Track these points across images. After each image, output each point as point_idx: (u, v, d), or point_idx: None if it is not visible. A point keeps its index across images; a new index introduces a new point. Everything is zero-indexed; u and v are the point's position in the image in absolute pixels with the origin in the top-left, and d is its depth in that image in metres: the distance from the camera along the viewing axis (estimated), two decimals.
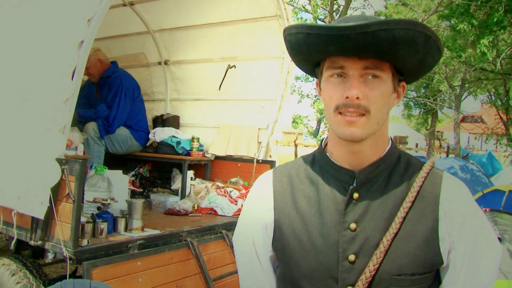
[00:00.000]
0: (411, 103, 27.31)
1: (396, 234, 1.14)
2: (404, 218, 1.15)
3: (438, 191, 1.18)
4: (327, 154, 1.26)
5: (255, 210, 1.32)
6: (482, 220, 1.19)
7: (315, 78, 1.31)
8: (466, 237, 1.15)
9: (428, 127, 27.30)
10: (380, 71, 1.13)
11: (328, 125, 1.24)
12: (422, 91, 24.00)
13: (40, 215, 2.69)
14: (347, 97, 1.11)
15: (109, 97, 4.62)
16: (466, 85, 16.34)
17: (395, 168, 1.22)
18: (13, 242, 3.02)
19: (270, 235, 1.27)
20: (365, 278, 1.12)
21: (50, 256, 4.54)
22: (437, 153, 22.99)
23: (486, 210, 6.51)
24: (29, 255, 3.93)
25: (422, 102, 20.37)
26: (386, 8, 16.96)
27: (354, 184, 1.19)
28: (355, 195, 1.19)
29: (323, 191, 1.22)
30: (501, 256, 1.19)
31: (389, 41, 1.05)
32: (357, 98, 1.10)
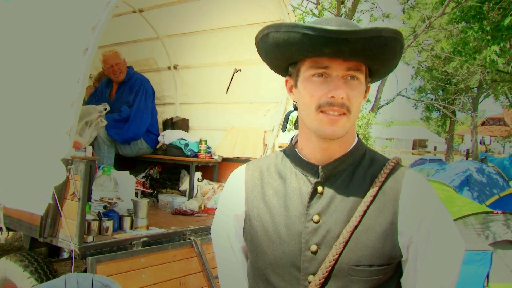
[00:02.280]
0: (430, 106, 27.05)
1: (356, 226, 1.19)
2: (365, 211, 1.20)
3: (399, 187, 1.22)
4: (296, 150, 1.33)
5: (228, 202, 1.39)
6: (443, 217, 1.23)
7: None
8: (426, 233, 1.19)
9: (447, 130, 26.99)
10: (359, 73, 1.20)
11: (303, 122, 1.28)
12: (440, 93, 23.78)
13: (39, 211, 2.83)
14: (332, 97, 1.17)
15: (132, 99, 4.75)
16: (484, 87, 16.15)
17: (360, 163, 1.28)
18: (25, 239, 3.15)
19: (241, 226, 1.34)
20: (325, 268, 1.18)
21: (65, 255, 4.71)
22: (451, 157, 22.68)
23: (498, 213, 6.44)
24: (44, 253, 4.10)
25: (439, 105, 20.17)
26: (403, 12, 16.93)
27: (319, 178, 1.25)
28: (319, 188, 1.24)
29: (290, 185, 1.29)
30: (463, 252, 1.23)
31: (381, 47, 1.15)
32: (342, 98, 1.17)
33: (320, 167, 1.25)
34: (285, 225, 1.25)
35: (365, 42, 1.12)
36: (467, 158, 19.88)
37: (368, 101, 12.87)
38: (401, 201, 1.21)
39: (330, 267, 1.18)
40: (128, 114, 4.67)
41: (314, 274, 1.20)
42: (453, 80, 18.44)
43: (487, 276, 4.42)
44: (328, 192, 1.24)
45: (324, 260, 1.19)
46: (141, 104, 4.73)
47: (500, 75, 12.20)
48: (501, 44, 7.57)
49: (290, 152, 1.35)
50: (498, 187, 12.31)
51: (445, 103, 15.87)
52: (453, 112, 17.06)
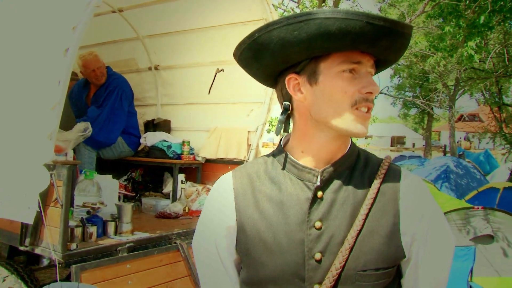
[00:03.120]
0: (408, 103, 27.41)
1: (360, 230, 1.15)
2: (367, 214, 1.16)
3: (398, 186, 1.20)
4: (287, 153, 1.26)
5: (216, 213, 1.27)
6: (439, 214, 1.22)
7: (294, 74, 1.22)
8: (426, 230, 1.17)
9: (425, 127, 27.37)
10: (375, 68, 1.21)
11: (316, 123, 1.19)
12: (418, 90, 24.09)
13: (29, 220, 2.73)
14: (369, 92, 1.15)
15: (104, 99, 4.60)
16: (461, 83, 16.44)
17: (356, 165, 1.24)
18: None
19: (233, 238, 1.24)
20: (331, 276, 1.13)
21: (45, 262, 4.59)
22: (429, 153, 23.05)
23: (478, 208, 6.53)
24: (23, 261, 3.98)
25: (417, 102, 20.45)
26: (380, 11, 17.06)
27: (318, 183, 1.20)
28: (319, 193, 1.19)
29: (286, 191, 1.22)
30: (454, 248, 1.23)
31: (407, 41, 1.17)
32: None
33: (320, 171, 1.20)
34: (284, 234, 1.18)
35: (404, 36, 1.14)
36: (444, 154, 20.18)
37: None
38: (401, 200, 1.18)
39: (337, 275, 1.13)
40: (95, 115, 4.48)
41: (320, 283, 1.15)
42: (430, 78, 18.72)
43: (471, 271, 4.46)
44: (328, 196, 1.19)
45: (330, 268, 1.14)
46: (115, 106, 4.58)
47: (476, 72, 12.42)
48: (477, 40, 7.68)
49: (281, 156, 1.27)
50: (476, 181, 12.56)
51: (424, 100, 16.09)
52: (432, 109, 17.30)
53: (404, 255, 1.17)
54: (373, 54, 1.17)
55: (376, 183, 1.19)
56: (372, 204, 1.17)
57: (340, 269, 1.13)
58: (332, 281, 1.13)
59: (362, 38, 1.09)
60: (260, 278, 1.20)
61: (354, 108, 1.14)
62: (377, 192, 1.19)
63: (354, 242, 1.14)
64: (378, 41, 1.10)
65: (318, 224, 1.17)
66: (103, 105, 4.57)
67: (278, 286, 1.18)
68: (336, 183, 1.21)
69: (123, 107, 4.65)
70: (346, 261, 1.13)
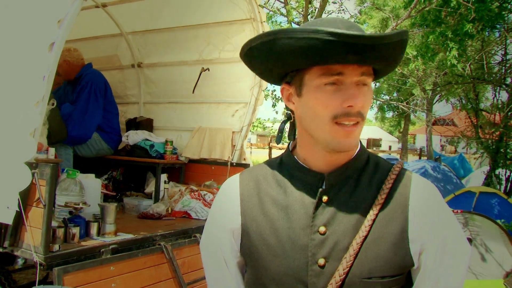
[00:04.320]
0: (385, 106, 27.70)
1: (366, 237, 1.12)
2: (374, 220, 1.13)
3: (408, 192, 1.16)
4: (295, 157, 1.24)
5: (222, 215, 1.28)
6: (452, 221, 1.18)
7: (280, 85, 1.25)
8: (437, 238, 1.13)
9: (401, 130, 27.70)
10: (370, 77, 1.13)
11: (308, 133, 1.18)
12: (395, 94, 24.38)
13: (8, 220, 2.63)
14: (350, 106, 1.08)
15: (77, 95, 4.48)
16: (438, 88, 16.68)
17: (364, 170, 1.21)
18: None
19: (237, 241, 1.25)
20: (335, 282, 1.11)
21: (20, 262, 4.44)
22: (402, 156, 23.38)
23: (458, 212, 6.63)
24: None
25: (395, 105, 20.69)
26: (360, 13, 17.18)
27: (323, 187, 1.18)
28: (324, 197, 1.17)
29: (291, 195, 1.20)
30: (470, 256, 1.19)
31: (400, 49, 1.10)
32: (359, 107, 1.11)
33: (325, 174, 1.18)
34: (288, 238, 1.16)
35: (390, 48, 1.06)
36: (420, 157, 20.45)
37: None
38: (411, 207, 1.15)
39: (341, 281, 1.11)
40: (69, 111, 4.37)
41: None
42: (408, 82, 18.96)
43: None
44: (334, 201, 1.16)
45: (334, 274, 1.11)
46: (90, 101, 4.43)
47: (454, 77, 12.62)
48: (459, 51, 7.81)
49: (289, 160, 1.26)
50: (453, 184, 12.76)
51: (401, 104, 16.30)
52: (414, 112, 17.59)
53: (412, 263, 1.14)
54: (359, 63, 1.09)
55: (384, 188, 1.17)
56: (379, 210, 1.15)
57: (344, 275, 1.11)
58: (336, 287, 1.11)
59: (325, 54, 1.05)
60: (263, 281, 1.20)
61: (334, 122, 1.10)
62: (386, 198, 1.16)
63: (359, 249, 1.12)
64: (347, 56, 1.05)
65: (322, 229, 1.15)
66: (76, 101, 4.46)
67: None
68: (342, 187, 1.18)
69: (98, 103, 4.50)
70: (350, 267, 1.11)
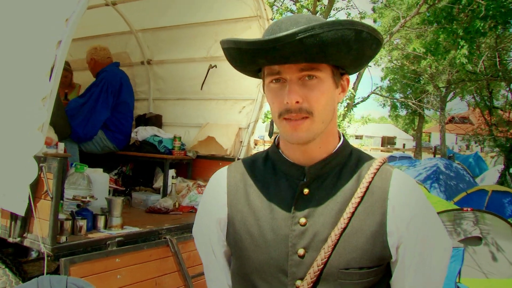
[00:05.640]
0: (398, 104, 27.51)
1: (344, 229, 1.15)
2: (353, 213, 1.17)
3: (387, 186, 1.19)
4: (280, 150, 1.29)
5: (210, 206, 1.34)
6: (432, 216, 1.21)
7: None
8: (415, 232, 1.16)
9: (415, 128, 27.50)
10: (317, 71, 1.14)
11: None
12: (408, 92, 24.19)
13: (21, 211, 2.72)
14: (287, 103, 1.13)
15: (87, 90, 4.58)
16: (452, 86, 16.53)
17: (346, 164, 1.24)
18: None
19: (224, 231, 1.30)
20: (313, 272, 1.15)
21: (34, 255, 4.56)
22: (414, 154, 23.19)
23: (468, 210, 6.59)
24: (11, 253, 3.95)
25: (408, 102, 20.54)
26: (374, 11, 17.06)
27: (304, 180, 1.22)
28: (305, 190, 1.21)
29: (275, 187, 1.25)
30: (451, 251, 1.21)
31: (317, 45, 1.06)
32: (297, 102, 1.12)
33: (306, 168, 1.22)
34: (271, 229, 1.21)
35: (292, 46, 1.05)
36: (434, 155, 20.30)
37: (350, 99, 12.90)
38: (390, 200, 1.18)
39: (319, 271, 1.15)
40: (75, 105, 4.44)
41: (302, 279, 1.16)
42: (421, 79, 18.79)
43: (459, 272, 4.50)
44: (315, 194, 1.21)
45: (312, 264, 1.15)
46: (99, 99, 4.49)
47: (467, 74, 12.50)
48: (469, 49, 7.75)
49: (274, 153, 1.31)
50: (466, 183, 12.65)
51: (415, 101, 16.19)
52: (422, 110, 17.46)
53: (390, 255, 1.17)
54: (298, 62, 1.11)
55: (365, 182, 1.20)
56: (359, 203, 1.18)
57: (322, 265, 1.15)
58: (314, 277, 1.15)
59: (245, 59, 1.16)
60: (246, 270, 1.24)
61: (282, 118, 1.16)
62: (366, 191, 1.19)
63: (338, 240, 1.15)
64: (257, 60, 1.13)
65: (303, 220, 1.18)
66: (85, 97, 4.54)
67: (262, 279, 1.21)
68: (324, 180, 1.22)
69: (107, 101, 4.56)
70: (328, 258, 1.15)
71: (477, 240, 6.25)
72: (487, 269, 6.01)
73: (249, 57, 1.13)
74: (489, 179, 14.92)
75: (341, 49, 1.10)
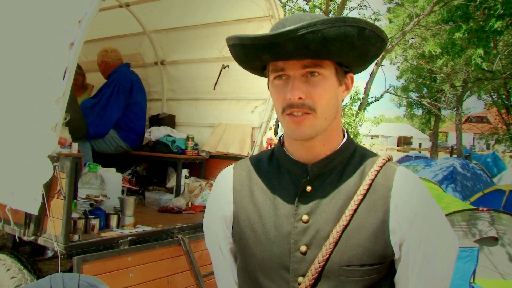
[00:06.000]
0: (413, 103, 27.26)
1: (346, 226, 1.16)
2: (355, 210, 1.17)
3: (391, 184, 1.19)
4: (284, 148, 1.30)
5: (216, 203, 1.37)
6: (436, 214, 1.20)
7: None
8: (419, 230, 1.15)
9: (432, 128, 27.23)
10: (320, 68, 1.15)
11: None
12: (425, 91, 23.96)
13: (34, 210, 2.77)
14: (290, 98, 1.14)
15: (99, 91, 4.64)
16: (469, 84, 16.33)
17: (350, 161, 1.25)
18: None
19: (229, 228, 1.32)
20: (314, 269, 1.15)
21: (49, 253, 4.63)
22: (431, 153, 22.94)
23: (483, 210, 6.50)
24: (27, 251, 4.02)
25: (422, 102, 20.35)
26: (389, 12, 16.94)
27: (307, 177, 1.23)
28: (308, 188, 1.22)
29: (279, 184, 1.26)
30: (457, 249, 1.20)
31: (319, 42, 1.07)
32: (300, 98, 1.14)
33: (309, 165, 1.23)
34: (274, 226, 1.23)
35: (295, 42, 1.07)
36: (451, 155, 20.08)
37: (358, 99, 12.84)
38: (393, 198, 1.18)
39: (320, 268, 1.16)
40: (87, 106, 4.48)
41: (304, 275, 1.17)
42: (437, 78, 18.60)
43: (474, 272, 4.45)
44: (317, 191, 1.22)
45: (314, 261, 1.16)
46: (111, 99, 4.54)
47: (483, 73, 12.35)
48: (487, 47, 7.64)
49: (279, 151, 1.33)
50: (482, 182, 12.47)
51: (431, 101, 16.04)
52: (438, 110, 17.26)
53: (393, 253, 1.17)
54: (301, 58, 1.13)
55: (367, 179, 1.20)
56: (361, 201, 1.18)
57: (323, 262, 1.15)
58: (315, 273, 1.16)
59: (250, 56, 1.19)
60: (250, 266, 1.26)
61: (285, 114, 1.17)
62: (368, 189, 1.19)
63: (339, 237, 1.16)
64: (261, 55, 1.15)
65: (305, 217, 1.20)
66: (97, 97, 4.60)
67: (265, 276, 1.23)
68: (327, 178, 1.23)
69: (119, 101, 4.61)
70: (330, 255, 1.15)
71: (493, 241, 6.16)
72: (504, 270, 5.92)
73: (253, 53, 1.16)
74: (507, 179, 14.66)
75: (344, 46, 1.11)
